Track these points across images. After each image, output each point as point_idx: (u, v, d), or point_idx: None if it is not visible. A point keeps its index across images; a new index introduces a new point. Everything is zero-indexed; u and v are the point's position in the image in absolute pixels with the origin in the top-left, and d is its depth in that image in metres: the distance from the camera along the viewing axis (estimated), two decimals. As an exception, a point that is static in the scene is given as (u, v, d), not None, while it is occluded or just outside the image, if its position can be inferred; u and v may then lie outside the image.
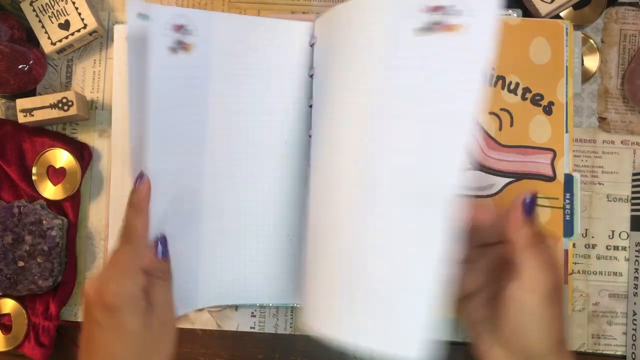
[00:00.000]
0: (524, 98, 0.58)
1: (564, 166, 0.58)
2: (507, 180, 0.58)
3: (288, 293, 0.60)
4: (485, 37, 0.44)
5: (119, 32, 0.63)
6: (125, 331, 0.45)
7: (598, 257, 0.64)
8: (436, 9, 0.45)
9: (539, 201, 0.57)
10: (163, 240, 0.50)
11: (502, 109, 0.58)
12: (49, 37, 0.61)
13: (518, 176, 0.58)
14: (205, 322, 0.64)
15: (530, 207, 0.45)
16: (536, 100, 0.58)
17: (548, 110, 0.58)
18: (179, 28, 0.51)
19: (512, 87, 0.58)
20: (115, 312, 0.45)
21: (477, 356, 0.48)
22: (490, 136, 0.58)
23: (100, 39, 0.64)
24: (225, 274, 0.58)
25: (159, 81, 0.49)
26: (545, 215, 0.58)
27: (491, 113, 0.58)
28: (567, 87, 0.58)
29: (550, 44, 0.58)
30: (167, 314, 0.49)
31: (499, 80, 0.58)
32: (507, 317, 0.45)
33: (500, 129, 0.58)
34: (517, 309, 0.44)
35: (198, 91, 0.55)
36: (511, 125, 0.58)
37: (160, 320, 0.47)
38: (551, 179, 0.58)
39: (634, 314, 0.62)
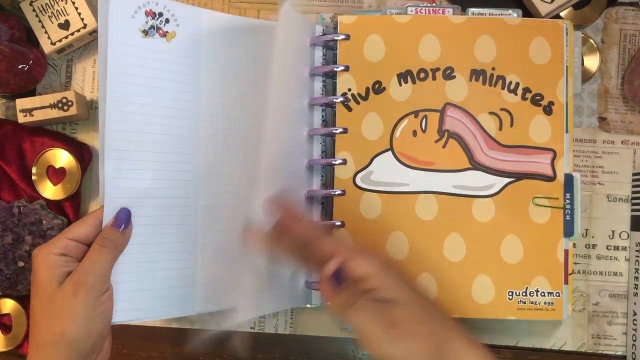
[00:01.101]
0: (524, 98, 0.58)
1: (564, 166, 0.58)
2: (507, 180, 0.58)
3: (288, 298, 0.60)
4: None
5: None
6: (37, 287, 0.48)
7: (598, 257, 0.64)
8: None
9: (540, 201, 0.57)
10: (125, 212, 0.51)
11: (502, 109, 0.58)
12: (48, 37, 0.61)
13: (518, 176, 0.58)
14: (205, 322, 0.63)
15: (338, 279, 0.46)
16: (536, 100, 0.58)
17: (548, 110, 0.58)
18: (154, 15, 0.53)
19: (512, 87, 0.58)
20: (33, 271, 0.49)
21: None
22: (490, 136, 0.58)
23: (100, 38, 0.64)
24: (224, 280, 0.58)
25: (130, 59, 0.52)
26: (545, 215, 0.58)
27: (491, 113, 0.58)
28: (567, 87, 0.58)
29: (550, 44, 0.58)
30: (102, 282, 0.49)
31: (499, 80, 0.58)
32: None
33: (500, 128, 0.58)
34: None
35: (185, 82, 0.56)
36: (511, 125, 0.58)
37: (90, 286, 0.48)
38: (551, 179, 0.58)
39: (634, 314, 0.62)
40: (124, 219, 0.51)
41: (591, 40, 0.64)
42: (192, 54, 0.56)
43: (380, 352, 0.44)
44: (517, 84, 0.58)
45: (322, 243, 0.48)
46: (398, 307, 0.45)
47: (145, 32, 0.53)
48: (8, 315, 0.62)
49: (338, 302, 0.45)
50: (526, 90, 0.58)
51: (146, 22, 0.53)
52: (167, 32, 0.54)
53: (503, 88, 0.58)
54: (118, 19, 0.51)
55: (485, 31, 0.58)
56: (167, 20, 0.54)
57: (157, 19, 0.54)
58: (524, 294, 0.58)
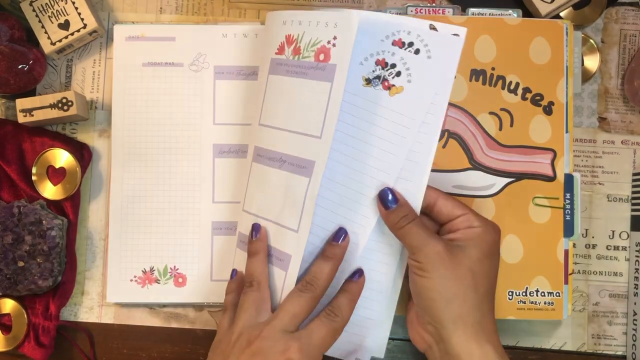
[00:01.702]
0: (524, 98, 0.58)
1: (564, 166, 0.58)
2: (507, 180, 0.58)
3: None
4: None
5: (119, 33, 0.63)
6: None
7: (598, 257, 0.64)
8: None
9: (540, 201, 0.57)
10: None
11: (502, 109, 0.58)
12: (48, 37, 0.61)
13: (518, 176, 0.58)
14: (205, 322, 0.63)
15: (384, 198, 0.52)
16: (536, 100, 0.58)
17: (548, 110, 0.58)
18: (385, 65, 0.52)
19: (512, 87, 0.58)
20: None
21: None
22: (490, 136, 0.58)
23: (99, 39, 0.64)
24: None
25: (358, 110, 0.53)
26: (545, 215, 0.58)
27: (491, 113, 0.58)
28: (567, 87, 0.58)
29: (550, 44, 0.58)
30: None
31: (499, 80, 0.58)
32: (414, 292, 0.52)
33: (500, 129, 0.58)
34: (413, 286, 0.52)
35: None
36: (511, 125, 0.58)
37: None
38: (551, 179, 0.58)
39: (634, 314, 0.62)
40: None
41: (591, 40, 0.64)
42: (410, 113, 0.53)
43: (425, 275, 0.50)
44: (517, 84, 0.58)
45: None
46: (465, 253, 0.50)
47: (369, 81, 0.52)
48: (8, 315, 0.61)
49: (390, 222, 0.51)
50: (526, 90, 0.58)
51: (373, 71, 0.52)
52: (392, 85, 0.52)
53: (503, 88, 0.58)
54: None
55: (485, 31, 0.58)
56: (398, 74, 0.52)
57: (387, 69, 0.52)
58: (523, 293, 0.58)
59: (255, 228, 0.54)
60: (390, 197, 0.51)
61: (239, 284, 0.54)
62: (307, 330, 0.49)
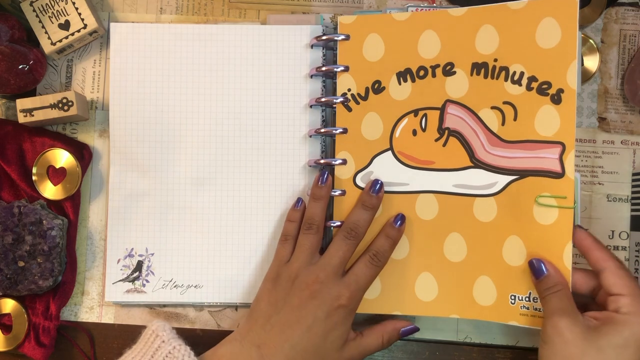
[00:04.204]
0: (529, 88, 0.51)
1: (573, 161, 0.50)
2: (510, 178, 0.52)
3: None
4: None
5: (116, 31, 0.60)
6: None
7: (598, 257, 0.61)
8: None
9: (545, 200, 0.52)
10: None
11: (505, 102, 0.52)
12: (49, 37, 0.59)
13: (522, 173, 0.52)
14: (205, 322, 0.61)
15: (533, 269, 0.52)
16: (543, 89, 0.51)
17: (557, 99, 0.51)
18: None
19: (515, 77, 0.52)
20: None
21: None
22: (492, 132, 0.53)
23: (100, 39, 0.62)
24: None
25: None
26: (552, 217, 0.51)
27: (493, 107, 0.53)
28: (579, 71, 0.52)
29: (560, 24, 0.50)
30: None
31: (502, 72, 0.52)
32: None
33: (503, 123, 0.52)
34: None
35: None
36: (515, 119, 0.52)
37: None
38: (559, 175, 0.51)
39: (636, 314, 0.59)
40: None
41: (591, 41, 0.61)
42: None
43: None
44: (522, 74, 0.52)
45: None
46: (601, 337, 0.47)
47: None
48: (8, 315, 0.59)
49: (537, 290, 0.51)
50: (532, 79, 0.51)
51: None
52: None
53: (506, 80, 0.52)
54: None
55: (487, 21, 0.52)
56: None
57: None
58: (527, 299, 0.52)
59: (323, 174, 0.56)
60: (537, 268, 0.51)
61: (302, 214, 0.56)
62: (354, 274, 0.52)
